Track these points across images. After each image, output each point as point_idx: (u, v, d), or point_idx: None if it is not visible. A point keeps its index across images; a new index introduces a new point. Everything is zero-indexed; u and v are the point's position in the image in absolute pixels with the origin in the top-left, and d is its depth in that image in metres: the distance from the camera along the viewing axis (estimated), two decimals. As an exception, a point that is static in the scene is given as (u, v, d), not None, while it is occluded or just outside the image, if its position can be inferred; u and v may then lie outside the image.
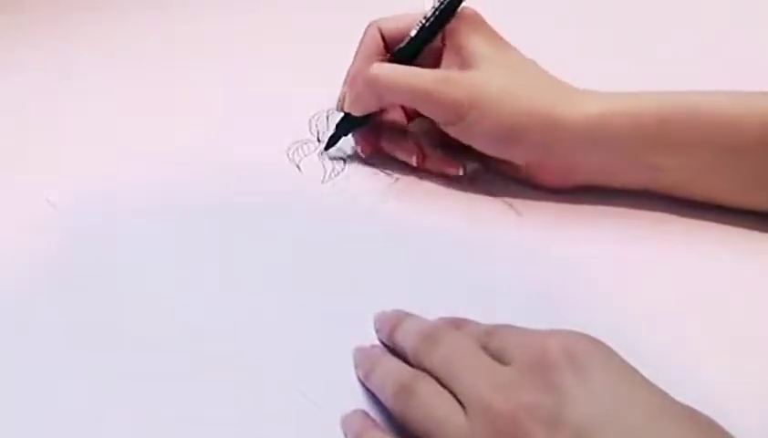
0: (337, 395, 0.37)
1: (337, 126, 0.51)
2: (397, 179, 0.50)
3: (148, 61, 0.61)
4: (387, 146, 0.51)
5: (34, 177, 0.50)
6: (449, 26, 0.47)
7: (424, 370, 0.35)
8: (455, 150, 0.49)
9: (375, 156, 0.51)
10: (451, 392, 0.34)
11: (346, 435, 0.35)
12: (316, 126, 0.53)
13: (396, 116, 0.51)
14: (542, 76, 0.47)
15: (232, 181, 0.50)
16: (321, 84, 0.55)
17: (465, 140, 0.47)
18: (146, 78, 0.59)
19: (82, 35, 0.64)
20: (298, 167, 0.50)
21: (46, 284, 0.43)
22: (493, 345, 0.35)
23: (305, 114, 0.54)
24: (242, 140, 0.53)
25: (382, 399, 0.36)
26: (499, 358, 0.34)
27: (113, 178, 0.50)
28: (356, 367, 0.38)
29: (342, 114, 0.51)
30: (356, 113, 0.50)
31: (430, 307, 0.40)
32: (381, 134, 0.51)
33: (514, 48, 0.48)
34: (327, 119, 0.54)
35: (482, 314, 0.39)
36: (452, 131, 0.47)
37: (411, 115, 0.51)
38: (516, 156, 0.47)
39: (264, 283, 0.43)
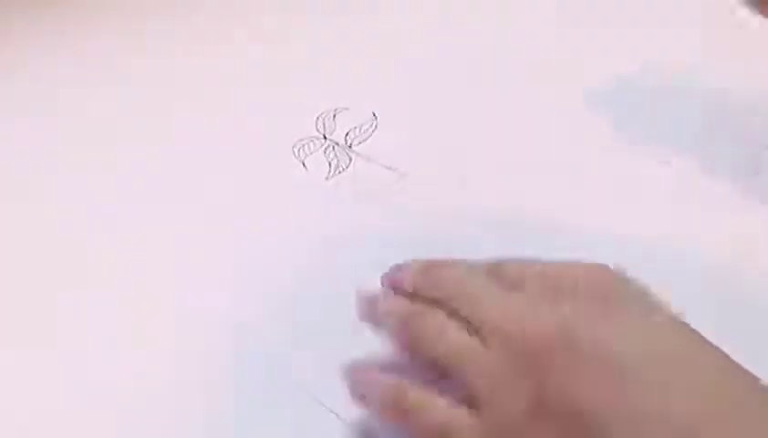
0: (336, 393, 0.37)
1: None
2: (402, 176, 0.50)
3: (149, 61, 0.61)
4: None
5: (34, 176, 0.50)
6: None
7: (432, 300, 0.33)
8: None
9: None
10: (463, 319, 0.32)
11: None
12: (323, 123, 0.54)
13: None
14: None
15: (237, 177, 0.50)
16: (328, 82, 0.55)
17: None
18: (148, 77, 0.60)
19: (82, 35, 0.64)
20: (304, 164, 0.51)
21: (47, 283, 0.43)
22: (502, 274, 0.34)
23: (310, 111, 0.54)
24: (247, 137, 0.53)
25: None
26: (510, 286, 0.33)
27: (115, 178, 0.50)
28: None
29: None
30: None
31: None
32: None
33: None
34: (334, 117, 0.54)
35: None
36: None
37: None
38: None
39: (268, 279, 0.43)
